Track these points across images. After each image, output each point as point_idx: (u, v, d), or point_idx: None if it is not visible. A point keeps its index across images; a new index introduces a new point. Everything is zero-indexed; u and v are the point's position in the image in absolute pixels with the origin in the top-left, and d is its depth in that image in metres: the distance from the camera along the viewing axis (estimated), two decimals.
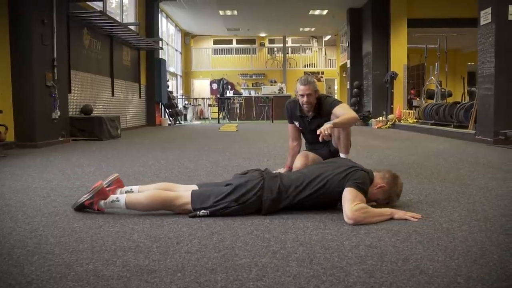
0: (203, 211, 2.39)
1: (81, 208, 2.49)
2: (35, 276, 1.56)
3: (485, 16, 7.00)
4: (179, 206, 2.43)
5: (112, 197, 2.48)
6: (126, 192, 2.60)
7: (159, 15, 14.50)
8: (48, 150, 6.12)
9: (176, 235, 2.08)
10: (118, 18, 10.82)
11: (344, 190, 2.36)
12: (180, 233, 2.10)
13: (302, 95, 3.54)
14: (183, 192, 2.50)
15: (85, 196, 2.48)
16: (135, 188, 2.66)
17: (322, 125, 3.30)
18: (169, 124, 14.50)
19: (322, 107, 3.59)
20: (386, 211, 2.36)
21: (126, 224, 2.26)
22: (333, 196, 2.45)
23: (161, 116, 14.46)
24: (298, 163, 3.62)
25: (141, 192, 2.54)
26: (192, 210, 2.40)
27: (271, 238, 2.02)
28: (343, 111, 3.42)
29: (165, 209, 2.47)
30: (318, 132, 3.07)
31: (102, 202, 2.46)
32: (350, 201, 2.30)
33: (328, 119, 3.51)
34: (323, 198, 2.47)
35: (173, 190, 2.59)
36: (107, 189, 2.51)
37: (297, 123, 3.81)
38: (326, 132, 3.02)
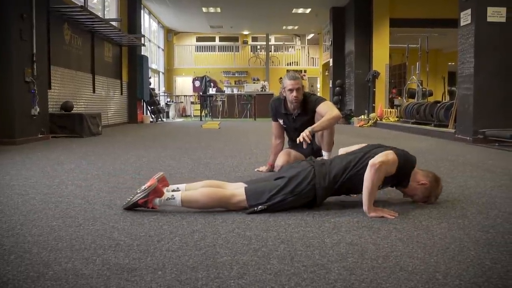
0: (260, 206, 2.40)
1: (133, 207, 2.44)
2: (12, 276, 1.53)
3: (465, 17, 7.11)
4: (234, 204, 2.44)
5: (167, 194, 2.44)
6: (173, 190, 2.54)
7: (142, 11, 14.35)
8: (27, 147, 6.02)
9: (157, 233, 2.06)
10: (99, 14, 10.68)
11: (386, 150, 2.47)
12: (161, 231, 2.08)
13: (291, 90, 3.55)
14: (237, 190, 2.50)
15: (138, 195, 2.42)
16: (181, 186, 2.61)
17: (306, 123, 3.33)
18: (151, 122, 14.39)
19: (307, 104, 3.61)
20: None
21: (106, 222, 2.23)
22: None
23: (143, 113, 14.34)
24: (280, 161, 3.63)
25: (196, 190, 2.51)
26: (248, 207, 2.41)
27: (252, 236, 2.02)
28: (327, 109, 3.44)
29: (220, 207, 2.47)
30: (298, 140, 3.09)
31: (157, 200, 2.42)
32: (385, 155, 2.41)
33: (313, 117, 3.54)
34: (359, 180, 2.47)
35: (222, 188, 2.59)
36: None
37: (281, 121, 3.82)
38: (307, 139, 3.05)
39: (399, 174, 2.49)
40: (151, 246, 1.87)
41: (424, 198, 2.62)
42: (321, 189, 2.47)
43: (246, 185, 2.56)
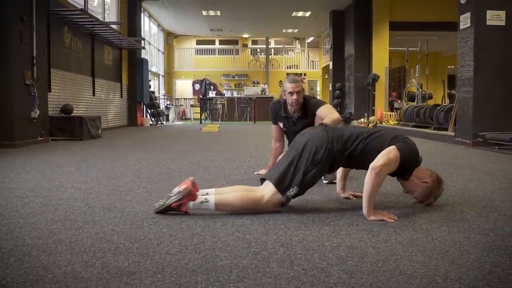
0: (291, 189, 2.41)
1: (165, 210, 2.42)
2: (11, 279, 1.53)
3: (465, 21, 7.12)
4: (267, 203, 2.45)
5: (201, 198, 2.44)
6: (203, 195, 2.52)
7: (142, 14, 14.38)
8: (27, 150, 6.02)
9: (157, 236, 2.06)
10: (99, 17, 10.69)
11: (390, 146, 2.43)
12: (161, 234, 2.08)
13: (292, 93, 3.56)
14: (265, 190, 2.49)
15: (172, 198, 2.40)
16: (211, 191, 2.59)
17: (306, 126, 3.33)
18: (150, 125, 14.40)
19: (307, 108, 3.62)
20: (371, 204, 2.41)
21: (105, 225, 2.23)
22: (376, 154, 2.45)
23: (143, 116, 14.34)
24: None
25: (229, 194, 2.50)
26: (282, 196, 2.42)
27: (252, 239, 2.01)
28: (327, 112, 3.44)
29: (253, 209, 2.47)
30: None
31: (191, 203, 2.41)
32: (386, 156, 2.38)
33: (313, 120, 3.55)
34: (369, 153, 2.47)
35: (252, 191, 2.57)
36: None
37: (281, 124, 3.82)
38: None
39: (401, 168, 2.48)
40: (150, 249, 1.87)
41: (423, 197, 2.61)
42: (338, 153, 2.46)
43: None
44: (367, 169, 2.43)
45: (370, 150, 2.47)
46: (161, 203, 2.45)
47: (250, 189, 2.63)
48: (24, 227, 2.20)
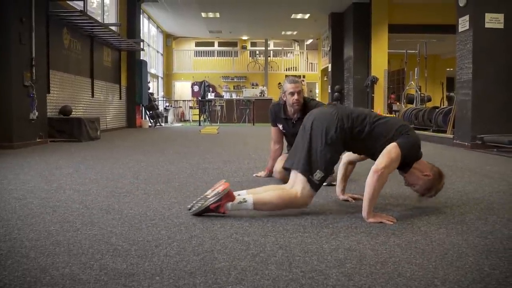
0: (316, 174, 2.41)
1: (203, 212, 2.42)
2: (8, 281, 1.52)
3: (463, 23, 7.14)
4: (302, 196, 2.43)
5: (239, 198, 2.44)
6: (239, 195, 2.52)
7: (141, 16, 14.40)
8: (25, 151, 6.01)
9: (155, 238, 2.05)
10: (99, 18, 10.70)
11: (391, 144, 2.41)
12: (159, 236, 2.08)
13: (293, 93, 3.58)
14: (294, 185, 2.48)
15: (210, 199, 2.39)
16: (242, 192, 2.58)
17: None
18: (149, 126, 14.39)
19: (307, 109, 3.59)
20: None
21: (104, 227, 2.23)
22: (380, 142, 2.46)
23: (142, 118, 14.34)
24: (279, 166, 3.63)
25: (266, 193, 2.50)
26: (309, 181, 2.41)
27: (250, 241, 2.01)
28: None
29: (290, 207, 2.48)
30: None
31: (229, 204, 2.41)
32: (388, 156, 2.37)
33: None
34: (375, 139, 2.47)
35: (284, 189, 2.56)
36: None
37: (280, 126, 3.83)
38: None
39: (402, 163, 2.47)
40: (149, 251, 1.87)
41: (424, 190, 2.59)
42: (349, 130, 2.45)
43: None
44: (371, 157, 2.44)
45: (377, 135, 2.46)
46: (198, 205, 2.44)
47: (281, 187, 2.62)
48: (22, 228, 2.19)
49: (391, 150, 2.40)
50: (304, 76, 21.86)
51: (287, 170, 2.65)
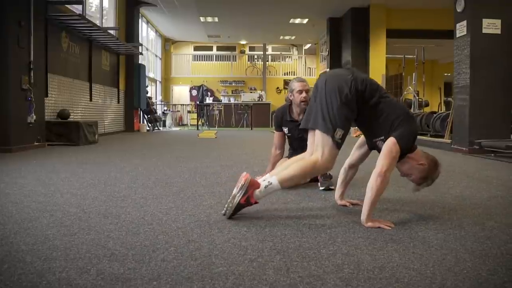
0: (336, 133, 2.39)
1: (237, 211, 2.42)
2: (4, 285, 1.52)
3: (461, 29, 7.17)
4: (324, 160, 2.41)
5: (264, 183, 2.43)
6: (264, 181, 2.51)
7: (140, 20, 14.41)
8: (23, 155, 6.00)
9: (152, 242, 2.05)
10: (97, 22, 10.70)
11: (389, 139, 2.40)
12: (156, 241, 2.07)
13: (301, 91, 3.68)
14: (315, 152, 2.46)
15: (237, 196, 2.40)
16: (266, 176, 2.55)
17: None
18: (147, 130, 14.38)
19: None
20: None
21: (101, 232, 2.22)
22: (380, 126, 2.46)
23: (140, 122, 14.33)
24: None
25: (286, 169, 2.49)
26: (332, 139, 2.39)
27: (248, 246, 2.01)
28: None
29: (315, 173, 2.53)
30: None
31: (257, 191, 2.41)
32: (389, 155, 2.36)
33: None
34: (376, 115, 2.47)
35: (303, 159, 2.55)
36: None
37: (286, 129, 3.89)
38: None
39: None
40: (146, 256, 1.86)
41: (420, 180, 2.57)
42: (361, 94, 2.43)
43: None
44: (368, 139, 2.46)
45: (380, 112, 2.45)
46: (230, 206, 2.43)
47: (301, 157, 2.61)
48: (19, 232, 2.18)
49: (392, 149, 2.38)
50: None
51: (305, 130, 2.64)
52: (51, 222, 2.40)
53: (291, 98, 3.77)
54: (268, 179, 2.46)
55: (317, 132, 2.46)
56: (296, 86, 3.71)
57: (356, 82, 2.44)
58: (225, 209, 2.51)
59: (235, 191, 2.45)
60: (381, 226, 2.33)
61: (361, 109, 2.49)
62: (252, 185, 2.41)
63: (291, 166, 2.49)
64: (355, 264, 1.78)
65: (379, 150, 2.50)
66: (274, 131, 4.04)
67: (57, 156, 5.91)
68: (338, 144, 2.43)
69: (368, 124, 2.57)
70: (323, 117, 2.43)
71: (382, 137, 2.47)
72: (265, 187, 2.43)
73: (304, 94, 3.68)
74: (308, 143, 2.62)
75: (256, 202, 2.43)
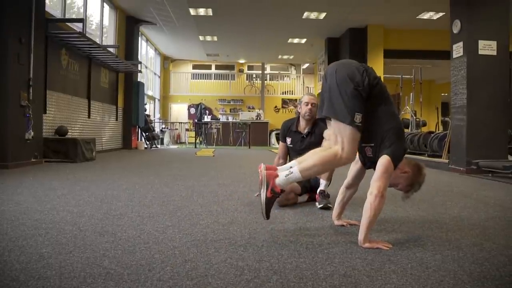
0: (355, 118, 2.36)
1: (269, 208, 2.40)
2: None
3: (457, 50, 7.25)
4: (345, 152, 2.38)
5: (285, 172, 2.41)
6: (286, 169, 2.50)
7: (139, 38, 14.52)
8: (20, 171, 5.97)
9: (148, 262, 2.03)
10: (97, 40, 10.79)
11: (383, 156, 2.39)
12: (153, 260, 2.05)
13: (307, 103, 3.94)
14: (335, 144, 2.44)
15: (262, 193, 2.38)
16: (293, 163, 2.51)
17: (313, 145, 3.56)
18: (145, 148, 14.38)
19: (316, 126, 3.91)
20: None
21: (97, 250, 2.20)
22: (374, 133, 2.45)
23: (138, 140, 14.33)
24: None
25: (307, 160, 2.45)
26: (352, 127, 2.36)
27: (244, 266, 1.99)
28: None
29: (336, 165, 2.47)
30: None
31: (277, 180, 2.39)
32: (385, 173, 2.35)
33: (320, 141, 3.73)
34: (373, 118, 2.44)
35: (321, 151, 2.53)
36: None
37: (289, 140, 4.08)
38: None
39: None
40: (142, 275, 1.84)
41: (407, 187, 2.57)
42: (368, 86, 2.41)
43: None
44: (361, 139, 2.44)
45: (377, 117, 2.44)
46: (262, 207, 2.41)
47: (324, 148, 2.59)
48: (13, 250, 2.16)
49: (387, 169, 2.37)
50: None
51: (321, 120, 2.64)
52: (46, 240, 2.38)
53: (299, 110, 4.00)
54: (289, 168, 2.43)
55: (334, 122, 2.44)
56: (304, 98, 3.97)
57: (368, 74, 2.44)
58: (261, 212, 2.46)
59: (259, 190, 2.44)
60: (378, 246, 2.32)
61: (368, 102, 2.46)
62: (269, 176, 2.40)
63: (313, 157, 2.45)
64: (353, 286, 1.76)
65: (364, 155, 2.54)
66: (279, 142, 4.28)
67: (54, 173, 5.89)
68: (358, 128, 2.38)
69: (365, 127, 2.53)
70: (338, 105, 2.40)
71: (372, 144, 2.49)
72: (286, 176, 2.40)
73: (309, 107, 3.90)
74: (327, 133, 2.60)
75: (282, 191, 2.40)
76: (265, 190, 2.39)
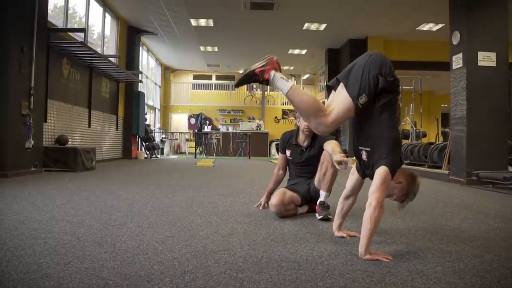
0: (360, 98, 2.38)
1: (247, 78, 2.41)
2: None
3: (457, 61, 7.27)
4: (331, 114, 2.41)
5: (283, 76, 2.43)
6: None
7: (140, 48, 14.59)
8: (19, 180, 5.96)
9: (147, 273, 2.02)
10: (99, 50, 10.84)
11: (381, 167, 2.37)
12: (152, 271, 2.04)
13: None
14: (334, 103, 2.46)
15: (256, 64, 2.40)
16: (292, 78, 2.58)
17: (312, 158, 3.70)
18: (145, 158, 14.36)
19: (316, 139, 3.87)
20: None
21: (95, 261, 2.19)
22: (372, 138, 2.46)
23: (138, 149, 14.32)
24: (275, 200, 3.61)
25: (304, 94, 2.47)
26: (353, 101, 2.38)
27: (244, 278, 1.97)
28: (333, 146, 3.47)
29: (315, 116, 2.42)
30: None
31: (273, 72, 2.41)
32: (384, 183, 2.34)
33: (320, 153, 3.67)
34: (375, 121, 2.45)
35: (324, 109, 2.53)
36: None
37: (288, 152, 4.04)
38: (345, 159, 3.03)
39: None
40: (140, 286, 1.83)
41: (402, 197, 2.57)
42: (384, 83, 2.44)
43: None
44: (358, 142, 2.47)
45: (379, 121, 2.44)
46: (241, 75, 2.43)
47: (315, 99, 2.58)
48: (11, 260, 2.15)
49: (386, 180, 2.37)
50: None
51: (329, 88, 2.64)
52: (44, 250, 2.37)
53: (298, 124, 3.97)
54: (288, 80, 2.45)
55: (341, 89, 2.48)
56: None
57: (395, 77, 2.48)
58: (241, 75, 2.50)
59: (261, 60, 2.46)
60: (379, 258, 2.30)
61: (367, 107, 2.46)
62: (272, 63, 2.42)
63: (306, 94, 2.49)
64: None
65: (359, 158, 2.55)
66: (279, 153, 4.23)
67: (53, 182, 5.88)
68: (357, 107, 2.42)
69: (362, 128, 2.54)
70: (354, 78, 2.44)
71: (368, 149, 2.49)
72: (281, 77, 2.42)
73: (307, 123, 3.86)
74: (333, 93, 2.60)
75: (267, 80, 2.41)
76: (259, 64, 2.41)
